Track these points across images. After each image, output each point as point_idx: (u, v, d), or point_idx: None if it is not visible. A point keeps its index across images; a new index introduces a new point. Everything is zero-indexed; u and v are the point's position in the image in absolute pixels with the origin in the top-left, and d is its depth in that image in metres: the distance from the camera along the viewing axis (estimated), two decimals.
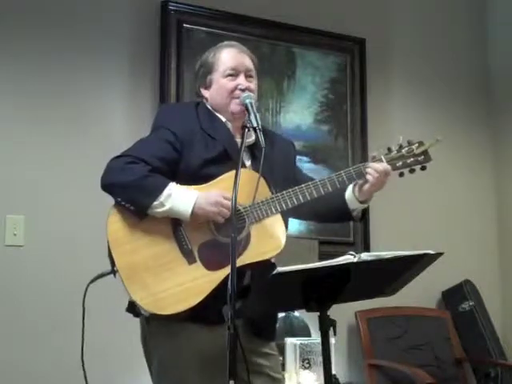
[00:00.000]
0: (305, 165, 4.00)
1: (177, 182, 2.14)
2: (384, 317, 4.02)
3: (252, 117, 2.09)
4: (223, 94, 2.27)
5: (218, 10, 3.86)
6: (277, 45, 4.06)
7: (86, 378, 2.15)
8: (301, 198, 2.18)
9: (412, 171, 2.30)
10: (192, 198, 2.09)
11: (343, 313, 3.57)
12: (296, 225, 3.99)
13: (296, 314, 3.68)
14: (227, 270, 2.01)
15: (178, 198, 2.09)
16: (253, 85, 2.31)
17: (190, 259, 2.11)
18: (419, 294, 3.91)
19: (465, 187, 4.57)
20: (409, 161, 2.29)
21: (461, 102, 4.63)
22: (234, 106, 2.26)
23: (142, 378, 2.46)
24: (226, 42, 2.40)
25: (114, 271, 2.11)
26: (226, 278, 2.01)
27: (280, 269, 1.76)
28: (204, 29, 3.82)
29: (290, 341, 3.53)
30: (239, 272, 2.00)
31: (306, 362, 3.50)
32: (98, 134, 3.50)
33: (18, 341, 3.26)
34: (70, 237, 3.36)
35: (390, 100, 4.39)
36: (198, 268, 2.10)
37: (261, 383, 2.17)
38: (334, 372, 3.04)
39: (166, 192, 2.08)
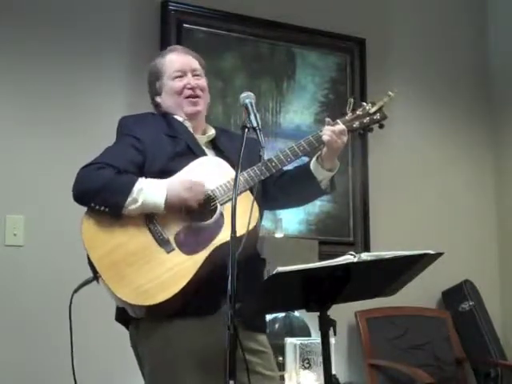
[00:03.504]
0: None
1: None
2: (384, 317, 4.03)
3: (252, 117, 2.10)
4: (174, 95, 2.33)
5: (218, 10, 3.86)
6: (277, 45, 4.06)
7: (75, 380, 2.14)
8: (266, 171, 2.20)
9: (370, 130, 2.38)
10: (163, 189, 2.12)
11: (343, 313, 3.57)
12: (296, 225, 3.99)
13: (296, 314, 3.68)
14: (207, 251, 2.09)
15: (150, 190, 2.12)
16: (201, 82, 2.36)
17: (168, 248, 2.12)
18: (419, 294, 3.90)
19: (465, 187, 4.57)
20: (365, 120, 2.36)
21: (461, 101, 4.63)
22: (187, 108, 2.33)
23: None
24: (169, 47, 2.47)
25: (96, 277, 2.12)
26: (208, 259, 2.08)
27: (280, 269, 1.75)
28: (204, 29, 3.82)
29: (289, 341, 3.52)
30: (222, 266, 1.95)
31: (306, 362, 3.50)
32: (97, 134, 3.49)
33: (17, 341, 3.26)
34: (70, 237, 3.34)
35: (390, 100, 4.38)
36: (178, 255, 2.11)
37: (252, 381, 2.08)
38: (334, 372, 3.04)
39: (136, 187, 2.11)
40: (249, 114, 2.11)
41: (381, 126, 2.38)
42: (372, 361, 3.88)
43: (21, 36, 3.44)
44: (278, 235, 3.73)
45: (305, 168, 2.35)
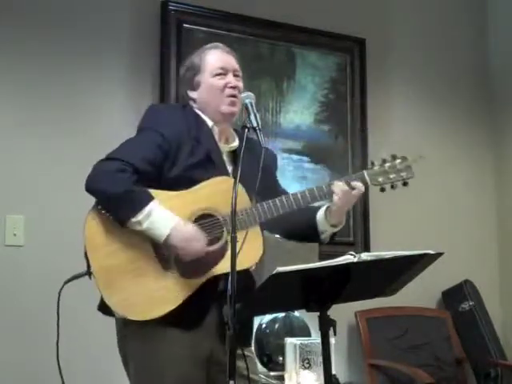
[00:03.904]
0: (305, 165, 4.01)
1: (160, 184, 2.14)
2: (384, 317, 4.03)
3: (252, 117, 2.09)
4: (214, 92, 2.29)
5: (218, 10, 3.86)
6: (277, 45, 4.06)
7: (62, 377, 2.15)
8: (280, 209, 2.16)
9: (393, 187, 2.27)
10: (167, 228, 2.07)
11: (343, 313, 3.57)
12: None
13: (296, 314, 3.68)
14: (202, 279, 2.08)
15: (156, 220, 2.07)
16: (241, 84, 2.33)
17: (166, 265, 2.10)
18: (419, 293, 3.90)
19: (465, 187, 4.57)
20: (391, 176, 2.26)
21: (461, 101, 4.63)
22: (226, 107, 2.28)
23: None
24: (211, 44, 2.43)
25: (89, 272, 2.12)
26: (201, 287, 2.08)
27: (280, 269, 1.75)
28: (204, 29, 3.82)
29: (289, 341, 3.52)
30: (214, 280, 2.06)
31: (306, 362, 3.50)
32: (97, 134, 3.50)
33: (17, 341, 3.26)
34: (70, 237, 3.35)
35: (390, 100, 4.39)
36: (173, 275, 2.10)
37: None
38: (334, 372, 3.04)
39: (146, 210, 2.06)
40: (249, 114, 2.11)
41: (405, 184, 2.28)
42: (372, 361, 3.88)
43: (21, 36, 3.43)
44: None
45: (311, 214, 2.30)
